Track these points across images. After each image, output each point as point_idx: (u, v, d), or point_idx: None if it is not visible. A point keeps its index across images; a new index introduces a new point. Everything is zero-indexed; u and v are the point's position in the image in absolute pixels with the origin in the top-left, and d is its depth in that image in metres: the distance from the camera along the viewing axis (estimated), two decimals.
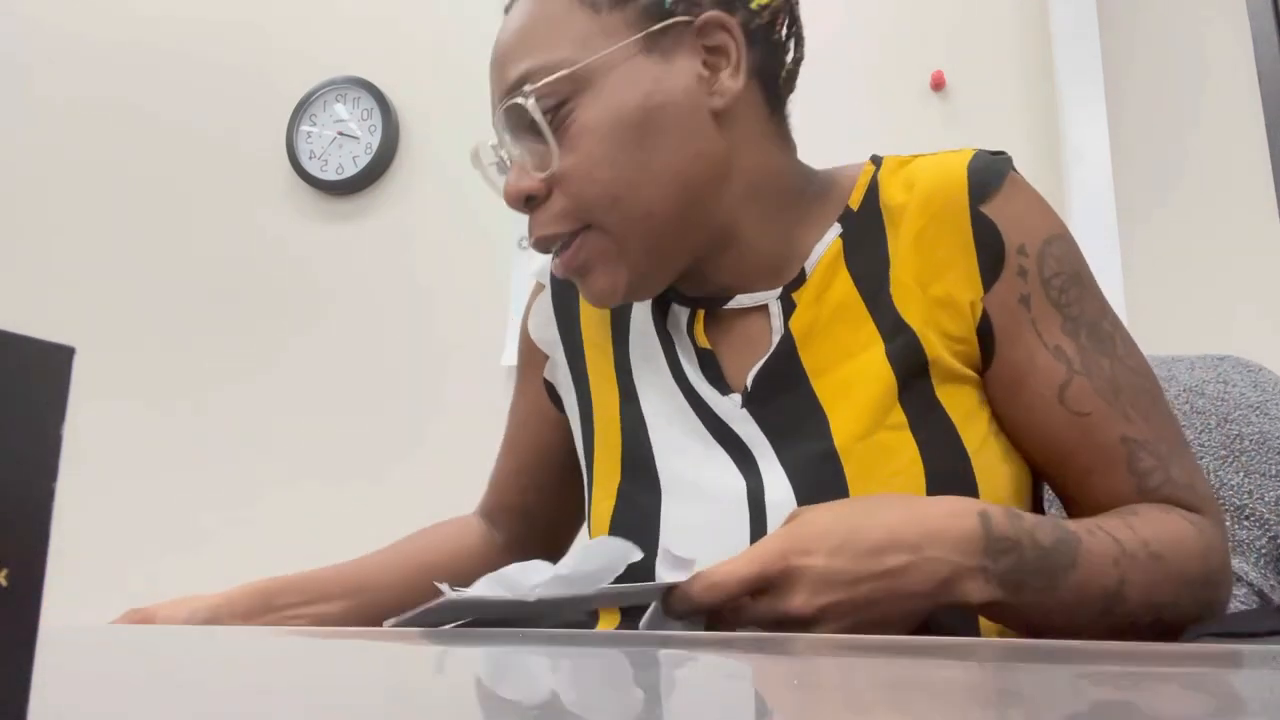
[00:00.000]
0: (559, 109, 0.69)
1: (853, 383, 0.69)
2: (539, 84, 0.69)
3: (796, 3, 0.78)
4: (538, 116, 0.69)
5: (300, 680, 0.38)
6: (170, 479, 2.20)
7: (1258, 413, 0.91)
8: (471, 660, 0.45)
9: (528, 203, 0.71)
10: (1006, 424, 0.71)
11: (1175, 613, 0.64)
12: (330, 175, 2.26)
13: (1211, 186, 1.84)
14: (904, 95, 2.03)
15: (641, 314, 0.80)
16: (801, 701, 0.31)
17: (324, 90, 2.29)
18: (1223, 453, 0.90)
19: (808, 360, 0.71)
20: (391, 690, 0.34)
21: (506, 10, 0.76)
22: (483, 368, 2.06)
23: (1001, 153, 0.76)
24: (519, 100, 0.69)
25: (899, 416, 0.68)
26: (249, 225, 2.31)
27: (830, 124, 2.13)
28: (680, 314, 0.77)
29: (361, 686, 0.36)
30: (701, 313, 0.76)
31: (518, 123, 0.71)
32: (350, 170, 2.24)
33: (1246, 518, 0.87)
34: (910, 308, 0.70)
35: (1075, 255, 0.73)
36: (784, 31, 0.76)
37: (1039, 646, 0.53)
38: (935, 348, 0.70)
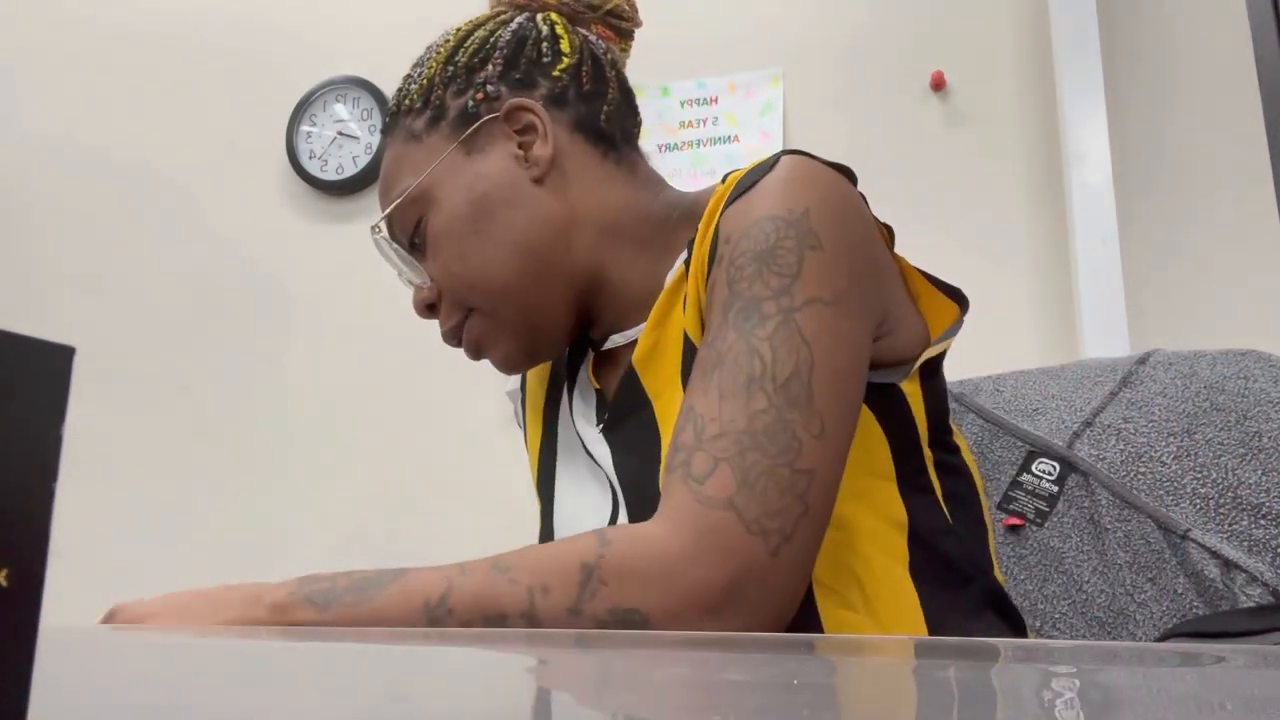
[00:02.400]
0: (417, 229, 0.80)
1: (676, 402, 0.71)
2: (390, 213, 0.81)
3: (599, 51, 0.84)
4: (402, 242, 0.81)
5: (300, 680, 0.38)
6: (170, 479, 2.20)
7: (1278, 409, 0.89)
8: (466, 661, 0.45)
9: (430, 309, 0.82)
10: None
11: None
12: (330, 175, 2.26)
13: (1211, 186, 1.84)
14: (904, 95, 2.03)
15: (560, 363, 0.88)
16: (801, 701, 0.31)
17: (324, 90, 2.29)
18: (1241, 450, 0.88)
19: (649, 385, 0.75)
20: (391, 690, 0.34)
21: None
22: (482, 368, 2.06)
23: (786, 153, 0.72)
24: (385, 233, 0.81)
25: None
26: (249, 225, 2.31)
27: (830, 124, 2.13)
28: (584, 357, 0.85)
29: (362, 687, 0.36)
30: (592, 355, 0.84)
31: (397, 250, 0.82)
32: (350, 170, 2.24)
33: (1263, 516, 0.85)
34: (695, 327, 0.73)
35: (783, 236, 0.66)
36: (589, 84, 0.82)
37: (1038, 646, 0.53)
38: None
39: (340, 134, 2.27)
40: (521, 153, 0.79)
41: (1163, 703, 0.31)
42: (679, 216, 0.79)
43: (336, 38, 2.34)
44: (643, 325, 0.77)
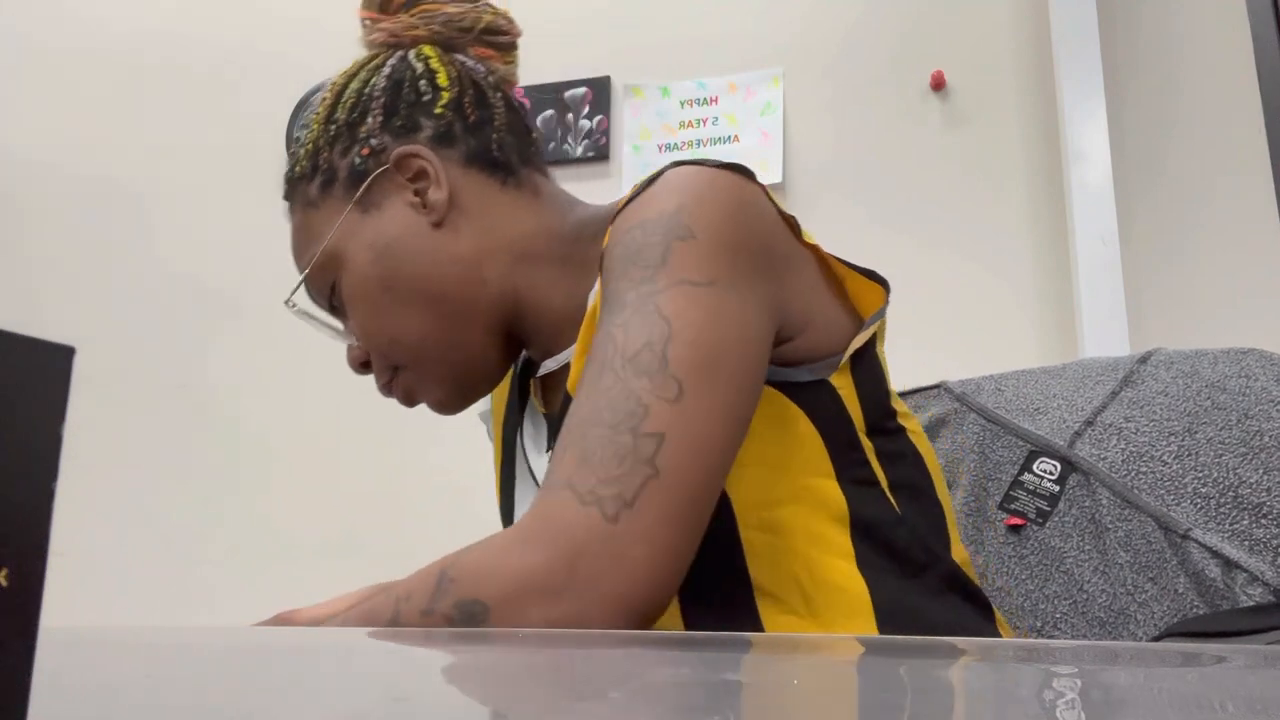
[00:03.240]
0: (333, 292, 0.81)
1: None
2: (301, 281, 0.82)
3: (479, 76, 0.82)
4: (322, 305, 0.82)
5: (301, 680, 0.38)
6: (170, 479, 2.20)
7: (1279, 408, 0.89)
8: (463, 661, 0.45)
9: (364, 367, 0.82)
10: None
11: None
12: None
13: (1211, 187, 1.84)
14: (904, 95, 2.03)
15: (519, 395, 0.87)
16: (802, 701, 0.31)
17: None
18: (1242, 449, 0.88)
19: None
20: (390, 691, 0.34)
21: None
22: None
23: (675, 165, 0.71)
24: (302, 302, 0.82)
25: None
26: (249, 225, 2.31)
27: (830, 124, 2.13)
28: (531, 384, 0.85)
29: (362, 687, 0.36)
30: (534, 381, 0.84)
31: (322, 315, 0.83)
32: None
33: (1265, 516, 0.85)
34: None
35: (651, 235, 0.64)
36: (474, 114, 0.80)
37: (1039, 646, 0.53)
38: None
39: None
40: (418, 199, 0.78)
41: (1164, 703, 0.31)
42: (591, 233, 0.77)
43: (337, 38, 2.34)
44: (572, 348, 0.75)
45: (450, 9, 0.84)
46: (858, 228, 1.91)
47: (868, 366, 0.73)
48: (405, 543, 2.04)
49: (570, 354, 0.75)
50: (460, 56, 0.83)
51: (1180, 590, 0.85)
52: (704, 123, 2.11)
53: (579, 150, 2.15)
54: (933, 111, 2.01)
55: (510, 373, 0.89)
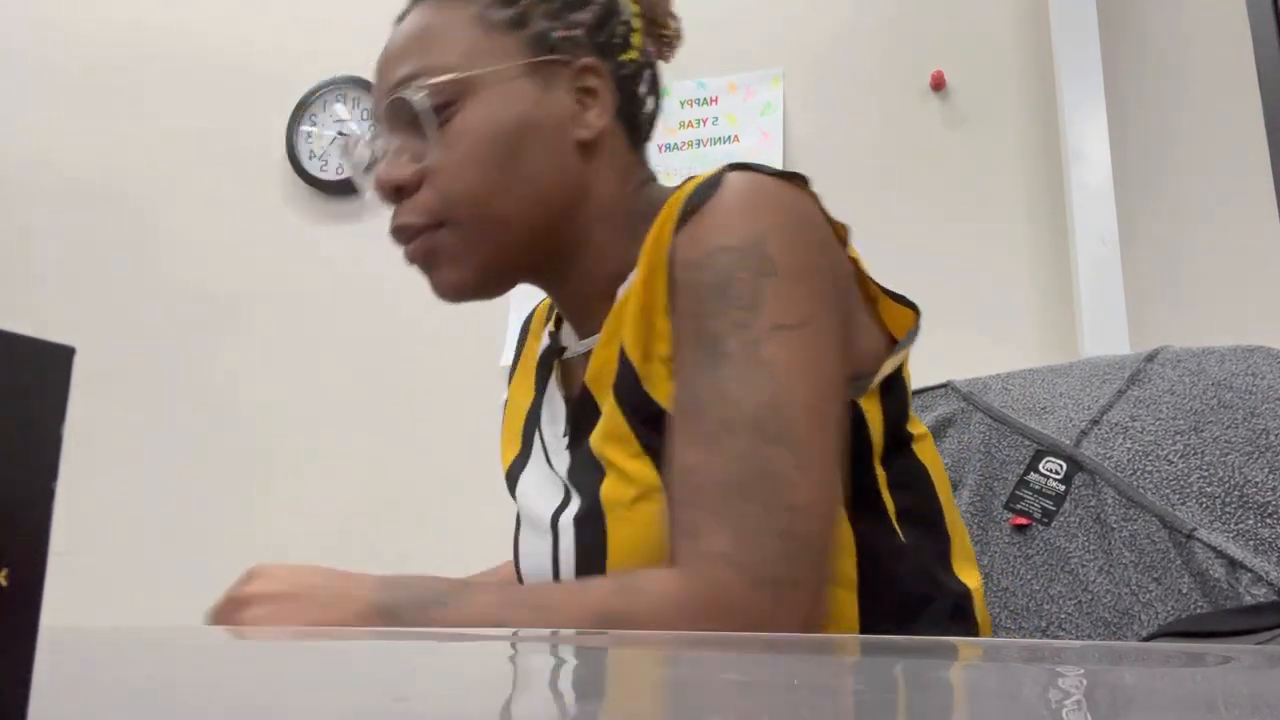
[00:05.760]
0: (443, 109, 0.74)
1: (611, 428, 0.73)
2: (430, 81, 0.74)
3: (657, 66, 0.85)
4: (425, 110, 0.74)
5: (301, 680, 0.38)
6: (170, 479, 2.20)
7: None
8: (466, 661, 0.45)
9: (397, 193, 0.76)
10: None
11: None
12: (330, 175, 2.26)
13: (1211, 186, 1.84)
14: (904, 95, 2.03)
15: (540, 374, 0.87)
16: (801, 701, 0.31)
17: (324, 90, 2.29)
18: (1248, 448, 0.87)
19: (601, 400, 0.76)
20: (390, 691, 0.34)
21: (398, 21, 0.81)
22: (481, 368, 2.06)
23: (733, 169, 0.73)
24: (407, 95, 0.74)
25: (635, 447, 0.71)
26: (249, 225, 2.31)
27: (830, 124, 2.13)
28: (556, 368, 0.84)
29: (362, 687, 0.36)
30: (557, 363, 0.84)
31: (401, 117, 0.76)
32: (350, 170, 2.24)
33: (1270, 515, 0.85)
34: (633, 341, 0.72)
35: (739, 267, 0.67)
36: (645, 88, 0.83)
37: (1044, 646, 0.53)
38: (652, 375, 0.71)
39: (340, 134, 2.27)
40: (578, 109, 0.77)
41: (1169, 704, 0.31)
42: (642, 214, 0.78)
43: (336, 38, 2.34)
44: (597, 337, 0.77)
45: None
46: (857, 227, 1.90)
47: (896, 390, 0.74)
48: (407, 544, 2.04)
49: (592, 343, 0.78)
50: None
51: (1184, 590, 0.85)
52: (704, 123, 2.11)
53: None
54: (933, 111, 2.01)
55: (530, 352, 0.90)
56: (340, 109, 2.28)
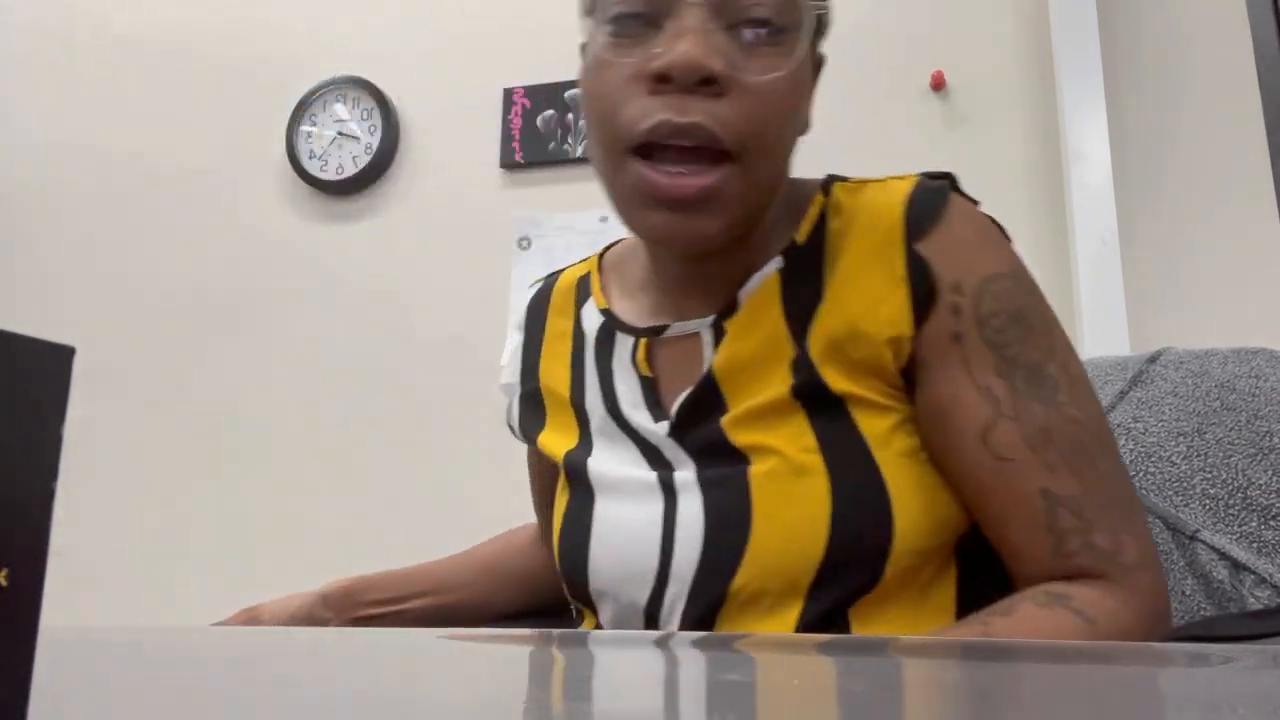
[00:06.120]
0: (787, 32, 0.67)
1: (765, 413, 0.70)
2: (825, 2, 0.70)
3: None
4: (808, 21, 0.67)
5: (300, 680, 0.38)
6: (170, 479, 2.20)
7: None
8: (469, 659, 0.45)
9: (704, 83, 0.64)
10: (935, 460, 0.70)
11: None
12: (330, 175, 2.26)
13: (1211, 186, 1.84)
14: (904, 95, 2.03)
15: (590, 354, 0.82)
16: (803, 701, 0.31)
17: (324, 90, 2.29)
18: (1251, 450, 0.87)
19: (729, 392, 0.72)
20: (390, 691, 0.34)
21: None
22: (482, 368, 2.06)
23: (945, 176, 0.74)
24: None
25: (809, 441, 0.68)
26: (249, 225, 2.31)
27: (830, 124, 2.13)
28: (625, 345, 0.79)
29: (362, 687, 0.36)
30: (645, 342, 0.77)
31: (768, 15, 0.66)
32: (350, 170, 2.25)
33: (1273, 518, 0.84)
34: (819, 340, 0.70)
35: (1020, 294, 0.69)
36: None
37: (1040, 647, 0.53)
38: (843, 381, 0.69)
39: (340, 134, 2.27)
40: (814, 83, 0.74)
41: (1171, 703, 0.31)
42: (791, 204, 0.76)
43: (336, 38, 2.34)
44: (707, 318, 0.74)
45: None
46: None
47: None
48: (406, 543, 2.04)
49: (699, 325, 0.74)
50: None
51: (1188, 592, 0.85)
52: None
53: (579, 150, 2.15)
54: (933, 111, 2.01)
55: (556, 331, 0.85)
56: (340, 109, 2.28)
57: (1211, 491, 0.87)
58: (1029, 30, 2.01)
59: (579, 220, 2.10)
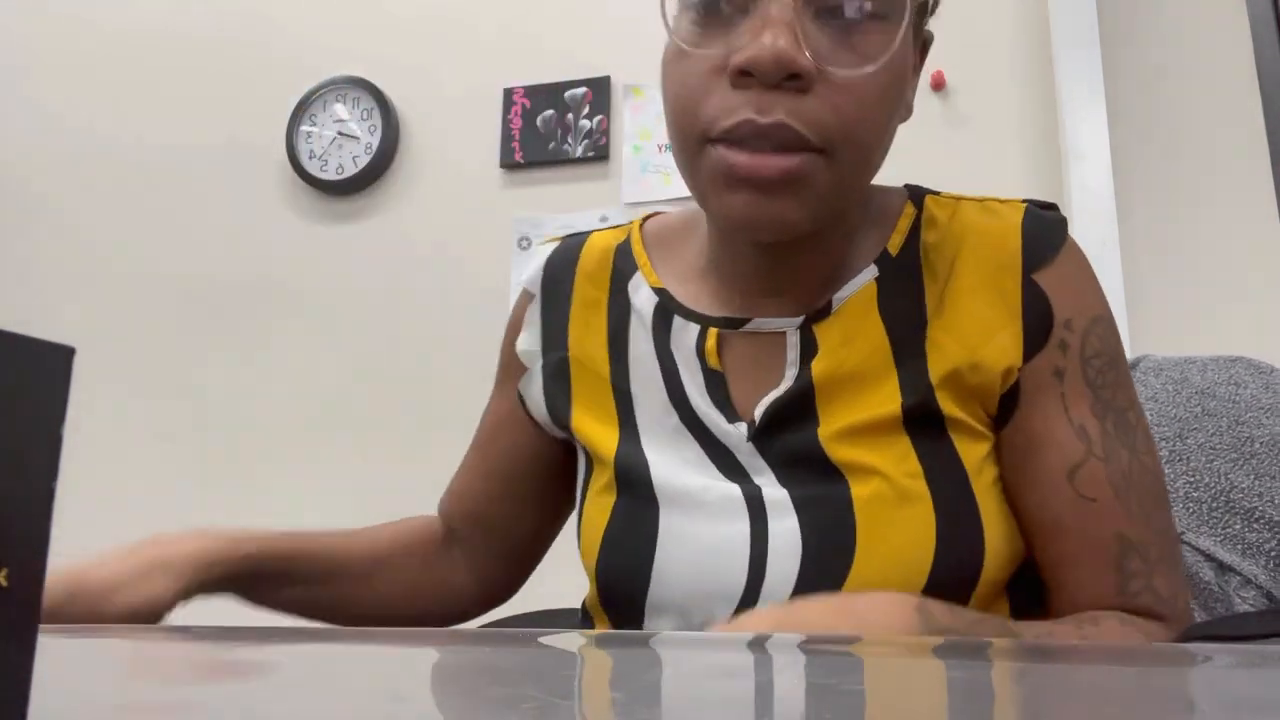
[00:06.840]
0: (917, 29, 0.66)
1: (867, 431, 0.67)
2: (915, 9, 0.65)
3: None
4: (903, 12, 0.62)
5: (300, 680, 0.38)
6: (170, 479, 2.20)
7: (1269, 415, 0.90)
8: (461, 661, 0.45)
9: (790, 78, 0.60)
10: (1009, 491, 0.69)
11: None
12: (330, 175, 2.26)
13: (1211, 187, 1.84)
14: None
15: (641, 333, 0.75)
16: (802, 701, 0.31)
17: (324, 90, 2.29)
18: (1234, 455, 0.88)
19: (824, 403, 0.68)
20: (389, 691, 0.34)
21: None
22: (482, 368, 2.06)
23: (1052, 206, 0.73)
24: None
25: (913, 466, 0.66)
26: (249, 225, 2.31)
27: None
28: (688, 332, 0.72)
29: (362, 687, 0.36)
30: (716, 332, 0.71)
31: (867, 8, 0.62)
32: (350, 170, 2.24)
33: (1256, 520, 0.86)
34: (939, 366, 0.68)
35: (1117, 339, 0.72)
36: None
37: (1040, 647, 0.53)
38: (953, 407, 0.68)
39: (340, 134, 2.27)
40: (915, 78, 0.69)
41: (1154, 701, 0.31)
42: (877, 210, 0.73)
43: (336, 38, 2.34)
44: (794, 319, 0.69)
45: None
46: None
47: None
48: None
49: (785, 324, 0.69)
50: None
51: None
52: None
53: (579, 150, 2.15)
54: (933, 111, 2.01)
55: (585, 299, 0.79)
56: (340, 109, 2.28)
57: (1195, 495, 0.88)
58: (1029, 30, 2.01)
59: (579, 220, 2.10)
